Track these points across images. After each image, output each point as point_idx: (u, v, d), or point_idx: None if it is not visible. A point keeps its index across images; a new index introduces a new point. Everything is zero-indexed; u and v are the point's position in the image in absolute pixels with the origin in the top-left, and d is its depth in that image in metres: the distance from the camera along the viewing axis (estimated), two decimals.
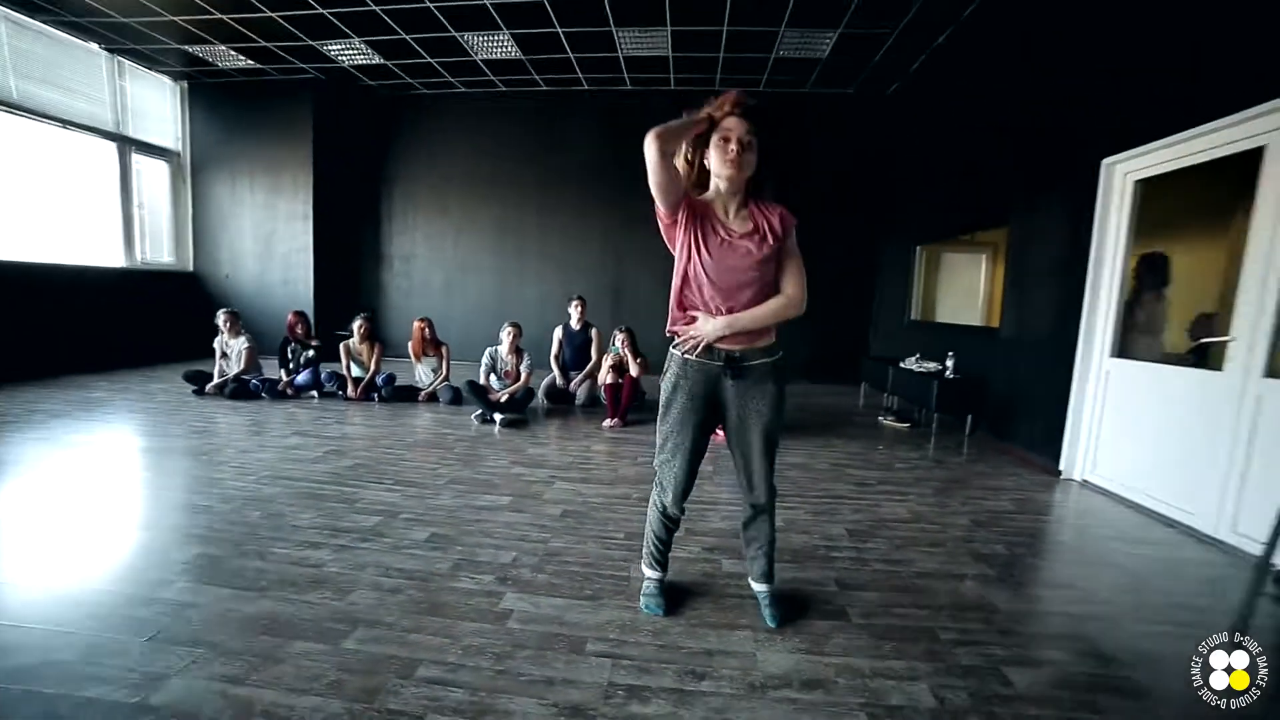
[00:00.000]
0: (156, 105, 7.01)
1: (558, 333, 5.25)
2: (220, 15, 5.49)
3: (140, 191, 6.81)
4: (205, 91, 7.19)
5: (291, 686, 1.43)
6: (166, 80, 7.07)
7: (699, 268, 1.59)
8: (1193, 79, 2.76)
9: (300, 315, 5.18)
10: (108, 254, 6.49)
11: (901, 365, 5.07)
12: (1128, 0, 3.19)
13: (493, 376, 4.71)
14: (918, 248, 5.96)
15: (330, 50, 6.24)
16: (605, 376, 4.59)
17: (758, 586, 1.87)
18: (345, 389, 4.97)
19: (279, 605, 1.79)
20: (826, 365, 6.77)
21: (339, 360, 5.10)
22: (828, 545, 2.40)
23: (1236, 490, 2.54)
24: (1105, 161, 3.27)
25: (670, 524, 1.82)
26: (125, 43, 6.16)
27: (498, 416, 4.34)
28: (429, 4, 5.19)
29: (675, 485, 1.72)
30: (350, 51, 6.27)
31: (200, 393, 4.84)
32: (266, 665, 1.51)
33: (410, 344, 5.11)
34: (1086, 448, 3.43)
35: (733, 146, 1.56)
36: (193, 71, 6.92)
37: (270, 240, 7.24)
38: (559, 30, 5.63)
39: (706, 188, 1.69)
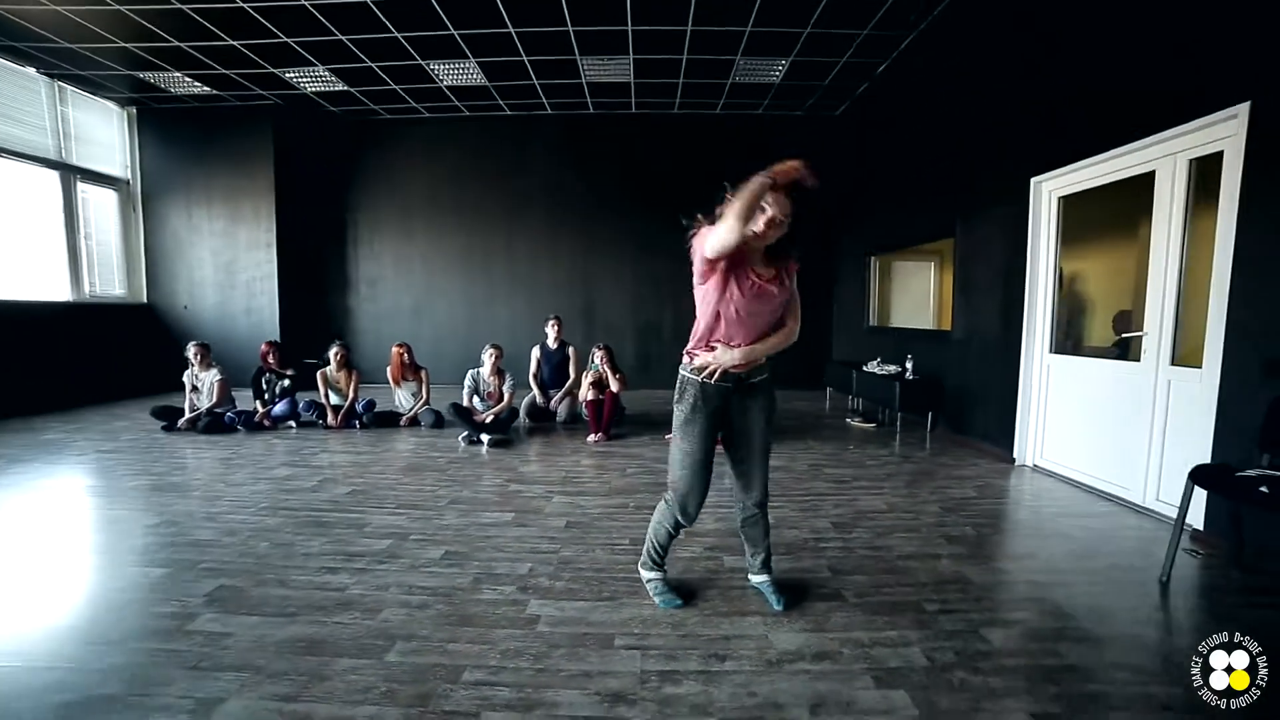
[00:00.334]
0: (102, 132, 6.77)
1: (535, 352, 5.35)
2: (177, 43, 5.41)
3: (87, 222, 6.54)
4: (156, 118, 7.00)
5: (345, 699, 1.52)
6: (113, 106, 6.85)
7: (732, 308, 1.76)
8: (1100, 113, 3.19)
9: (273, 345, 5.11)
10: (53, 287, 6.19)
11: (865, 369, 5.42)
12: (1046, 44, 3.63)
13: (476, 398, 4.78)
14: (871, 258, 6.39)
15: (291, 77, 6.21)
16: (586, 393, 4.73)
17: (760, 578, 2.06)
18: (325, 418, 4.92)
19: (311, 628, 1.85)
20: (792, 372, 7.11)
21: (314, 389, 5.05)
22: (816, 538, 2.62)
23: (1158, 465, 2.92)
24: (1034, 180, 3.69)
25: (679, 530, 1.98)
26: (66, 68, 5.95)
27: (484, 437, 4.40)
28: (397, 34, 5.28)
29: (698, 494, 1.89)
30: (313, 78, 6.26)
31: (171, 429, 4.70)
32: (315, 683, 1.58)
33: (389, 369, 5.11)
34: (1035, 436, 3.81)
35: (763, 220, 1.68)
36: (141, 98, 6.73)
37: (231, 269, 7.06)
38: (525, 59, 5.82)
39: None
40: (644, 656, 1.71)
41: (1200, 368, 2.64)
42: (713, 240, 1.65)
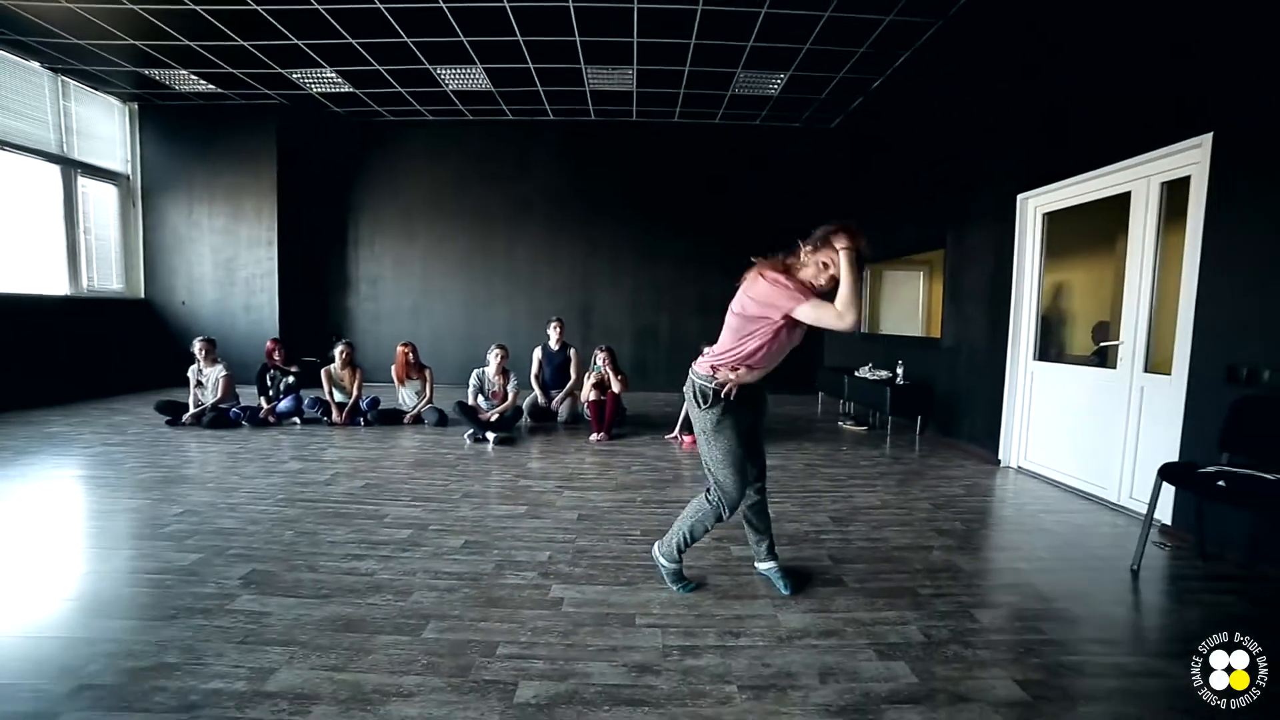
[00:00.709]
0: (104, 127, 6.77)
1: (537, 353, 5.47)
2: (187, 42, 5.47)
3: (86, 216, 6.54)
4: (158, 114, 7.02)
5: (390, 670, 1.63)
6: (115, 102, 6.86)
7: (777, 345, 1.93)
8: (1081, 136, 3.41)
9: (278, 342, 5.17)
10: (51, 281, 6.18)
11: (856, 374, 5.62)
12: (1032, 70, 3.85)
13: (480, 397, 4.88)
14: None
15: (297, 78, 6.28)
16: (589, 394, 4.85)
17: (767, 564, 2.21)
18: (330, 414, 4.98)
19: (347, 609, 1.96)
20: (784, 377, 7.27)
21: (318, 386, 5.11)
22: (816, 530, 2.78)
23: (1131, 466, 3.12)
24: (1020, 196, 3.91)
25: (717, 524, 2.11)
26: (71, 63, 5.97)
27: (490, 435, 4.51)
28: (407, 39, 5.40)
29: (743, 486, 2.03)
30: (319, 80, 6.34)
31: (175, 423, 4.74)
32: (359, 656, 1.69)
33: (394, 368, 5.19)
34: (1019, 439, 4.01)
35: (825, 278, 1.92)
36: (144, 94, 6.75)
37: (231, 266, 7.08)
38: (531, 66, 5.96)
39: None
40: (665, 633, 1.85)
41: (1170, 374, 2.85)
42: (824, 317, 1.79)
